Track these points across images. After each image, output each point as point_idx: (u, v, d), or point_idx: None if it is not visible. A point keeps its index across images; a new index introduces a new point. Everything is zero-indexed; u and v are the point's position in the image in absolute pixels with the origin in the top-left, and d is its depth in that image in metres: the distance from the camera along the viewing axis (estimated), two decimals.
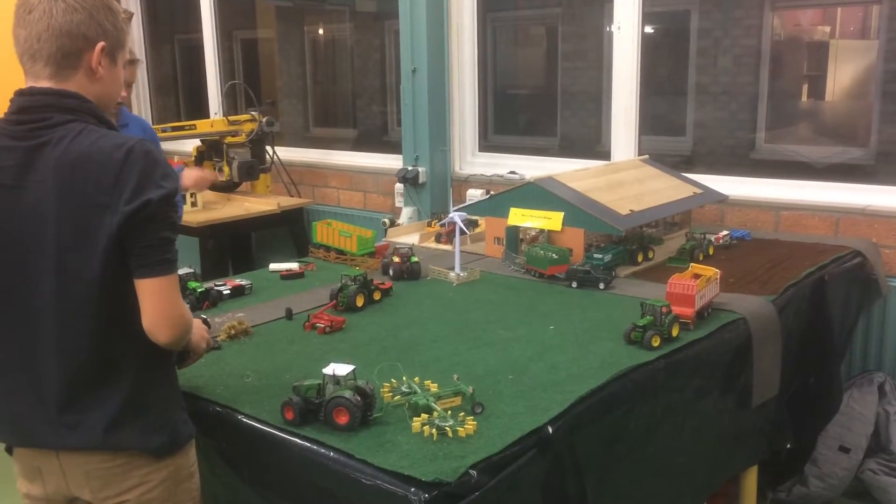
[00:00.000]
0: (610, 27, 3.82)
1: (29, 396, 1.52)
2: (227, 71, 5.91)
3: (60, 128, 1.45)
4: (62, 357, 1.48)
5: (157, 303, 1.45)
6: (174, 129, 4.52)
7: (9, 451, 1.64)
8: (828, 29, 6.04)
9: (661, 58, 5.74)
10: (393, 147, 4.82)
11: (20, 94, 1.50)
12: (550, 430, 1.55)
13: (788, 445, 2.65)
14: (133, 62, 3.19)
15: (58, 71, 1.49)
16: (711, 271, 2.19)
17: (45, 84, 1.49)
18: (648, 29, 3.84)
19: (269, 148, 4.84)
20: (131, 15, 1.61)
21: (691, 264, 2.29)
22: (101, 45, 1.51)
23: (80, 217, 1.42)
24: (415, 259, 2.65)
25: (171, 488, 1.57)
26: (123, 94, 3.21)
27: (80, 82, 1.50)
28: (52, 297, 1.46)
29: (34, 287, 1.47)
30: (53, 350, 1.48)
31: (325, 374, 1.57)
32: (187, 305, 1.59)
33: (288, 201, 4.77)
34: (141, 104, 6.47)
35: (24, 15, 1.48)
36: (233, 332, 2.07)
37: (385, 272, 2.66)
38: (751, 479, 2.61)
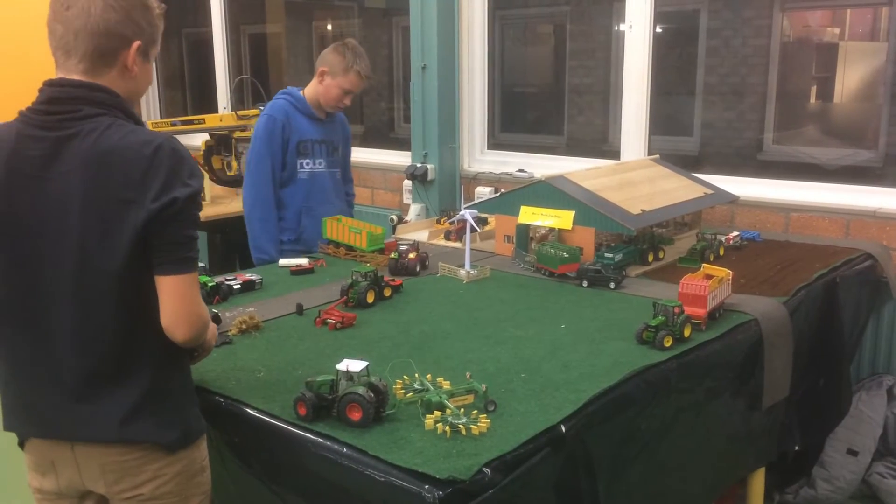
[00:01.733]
0: (618, 26, 3.81)
1: (47, 386, 1.52)
2: (234, 66, 5.91)
3: (90, 120, 1.45)
4: (81, 348, 1.48)
5: (176, 301, 1.46)
6: (184, 122, 4.53)
7: (21, 444, 1.64)
8: (837, 30, 6.03)
9: (670, 57, 5.72)
10: (399, 143, 4.81)
11: (50, 84, 1.50)
12: (564, 429, 1.54)
13: (796, 447, 2.65)
14: (362, 77, 3.24)
15: (92, 67, 1.49)
16: (724, 272, 2.18)
17: (76, 77, 1.49)
18: (657, 28, 3.82)
19: None
20: (165, 9, 1.63)
21: (703, 265, 2.28)
22: (136, 44, 1.52)
23: (104, 210, 1.43)
24: (412, 255, 2.67)
25: (184, 482, 1.58)
26: (346, 102, 3.28)
27: (113, 79, 1.51)
28: (72, 287, 1.46)
29: (54, 277, 1.47)
30: (73, 341, 1.48)
31: (338, 370, 1.57)
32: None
33: None
34: (149, 98, 6.47)
35: (62, 10, 1.48)
36: (244, 326, 2.07)
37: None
38: (758, 481, 2.61)
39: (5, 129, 1.50)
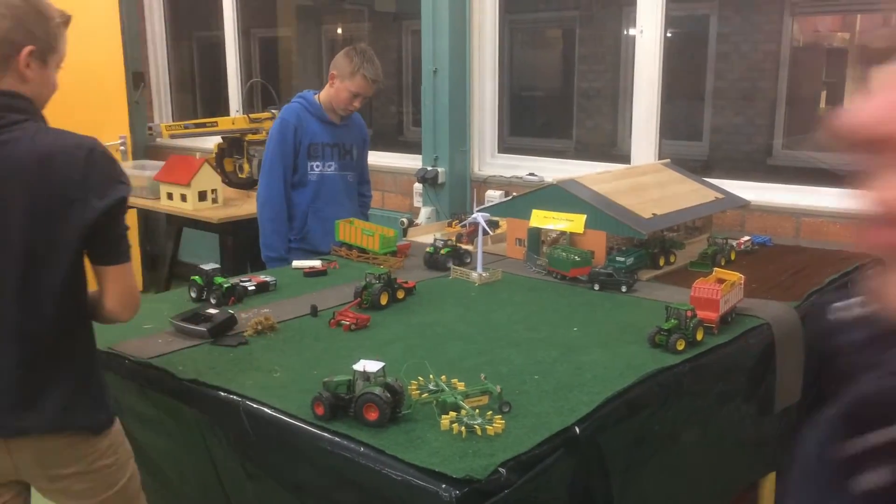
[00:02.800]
0: (628, 30, 3.83)
1: None
2: (245, 69, 5.95)
3: (16, 127, 1.53)
4: (22, 342, 1.56)
5: (122, 285, 1.63)
6: (196, 125, 4.56)
7: None
8: (847, 35, 6.03)
9: (680, 62, 5.73)
10: (409, 146, 4.83)
11: None
12: (578, 430, 1.56)
13: None
14: (368, 80, 3.33)
15: None
16: (736, 276, 2.19)
17: None
18: (667, 33, 3.83)
19: None
20: (68, 18, 1.70)
21: (715, 269, 2.29)
22: (27, 49, 1.57)
23: (49, 209, 1.52)
24: (446, 250, 2.74)
25: (115, 450, 1.69)
26: (356, 104, 3.39)
27: (11, 84, 1.57)
28: (18, 285, 1.54)
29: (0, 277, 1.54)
30: (13, 336, 1.55)
31: (355, 371, 1.58)
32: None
33: None
34: (161, 101, 6.51)
35: None
36: (259, 327, 2.09)
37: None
38: (769, 486, 2.61)
39: None
